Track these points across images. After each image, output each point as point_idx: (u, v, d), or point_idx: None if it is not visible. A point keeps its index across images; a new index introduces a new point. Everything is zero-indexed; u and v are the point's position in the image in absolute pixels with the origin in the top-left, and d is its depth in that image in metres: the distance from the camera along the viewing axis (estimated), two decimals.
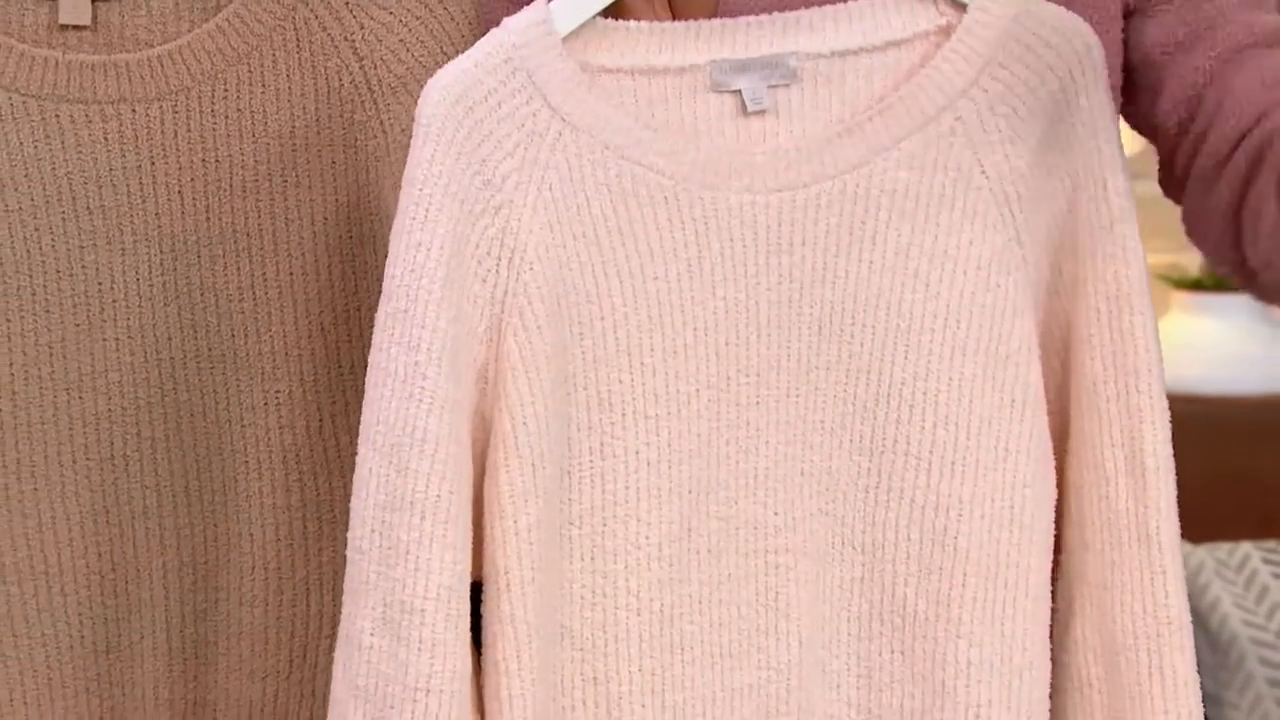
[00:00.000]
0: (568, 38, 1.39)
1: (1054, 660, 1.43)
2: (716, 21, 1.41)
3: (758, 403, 1.39)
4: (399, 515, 1.35)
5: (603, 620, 1.39)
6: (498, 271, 1.37)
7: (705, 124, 1.40)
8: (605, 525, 1.39)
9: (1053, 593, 1.44)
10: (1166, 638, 1.41)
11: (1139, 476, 1.40)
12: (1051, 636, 1.44)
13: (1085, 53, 1.40)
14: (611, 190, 1.38)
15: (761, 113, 1.40)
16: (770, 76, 1.40)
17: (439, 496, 1.34)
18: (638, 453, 1.39)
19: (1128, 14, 1.58)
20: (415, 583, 1.35)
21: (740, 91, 1.40)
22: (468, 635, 1.37)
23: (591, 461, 1.38)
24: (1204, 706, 2.71)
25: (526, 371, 1.37)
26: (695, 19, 1.43)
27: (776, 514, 1.40)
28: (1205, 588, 2.75)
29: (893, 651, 1.40)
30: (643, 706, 1.40)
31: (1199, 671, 2.65)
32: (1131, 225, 1.41)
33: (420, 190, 1.36)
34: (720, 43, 1.40)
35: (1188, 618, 1.42)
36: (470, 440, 1.38)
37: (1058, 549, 1.44)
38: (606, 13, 1.42)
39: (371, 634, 1.36)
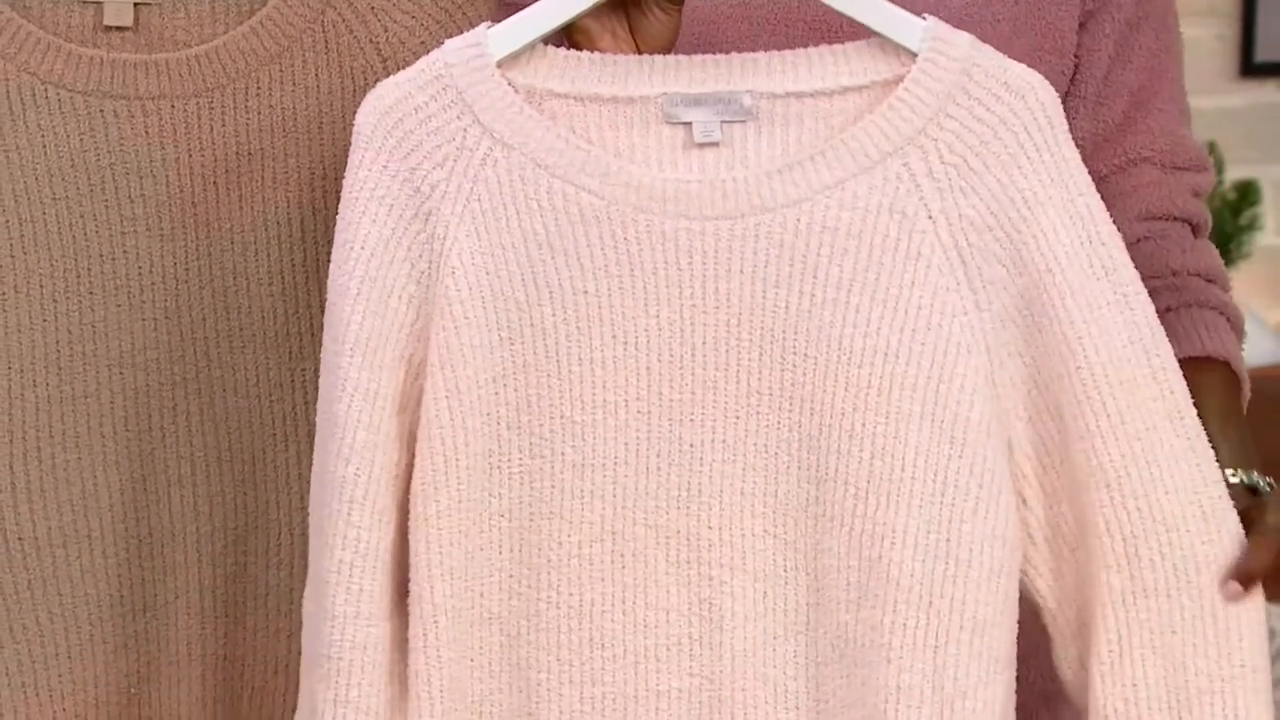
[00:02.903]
0: (510, 62, 1.39)
1: (1107, 708, 1.39)
2: (670, 57, 1.39)
3: (692, 420, 1.38)
4: (321, 494, 1.39)
5: (525, 609, 1.40)
6: (428, 274, 1.38)
7: (654, 153, 1.38)
8: (531, 520, 1.39)
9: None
10: (1241, 682, 1.36)
11: (1209, 519, 1.36)
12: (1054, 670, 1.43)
13: (1040, 110, 1.36)
14: (542, 206, 1.37)
15: (713, 145, 1.38)
16: (723, 112, 1.38)
17: (344, 478, 1.37)
18: (563, 455, 1.39)
19: (1083, 24, 1.61)
20: (323, 556, 1.38)
21: (690, 124, 1.38)
22: (377, 609, 1.38)
23: (520, 460, 1.39)
24: None
25: (443, 369, 1.38)
26: (655, 52, 1.41)
27: (711, 528, 1.39)
28: None
29: (840, 676, 1.38)
30: (561, 696, 1.40)
31: None
32: (1131, 271, 1.38)
33: (350, 194, 1.38)
34: (674, 77, 1.38)
35: (1264, 661, 1.37)
36: (396, 430, 1.39)
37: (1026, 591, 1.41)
38: (566, 43, 1.42)
39: (310, 601, 1.41)
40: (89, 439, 1.54)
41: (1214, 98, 3.45)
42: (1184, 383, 1.38)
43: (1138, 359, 1.37)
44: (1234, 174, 3.45)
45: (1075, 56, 1.60)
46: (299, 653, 1.55)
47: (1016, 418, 1.38)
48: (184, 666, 1.57)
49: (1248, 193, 3.46)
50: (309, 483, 1.54)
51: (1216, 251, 1.67)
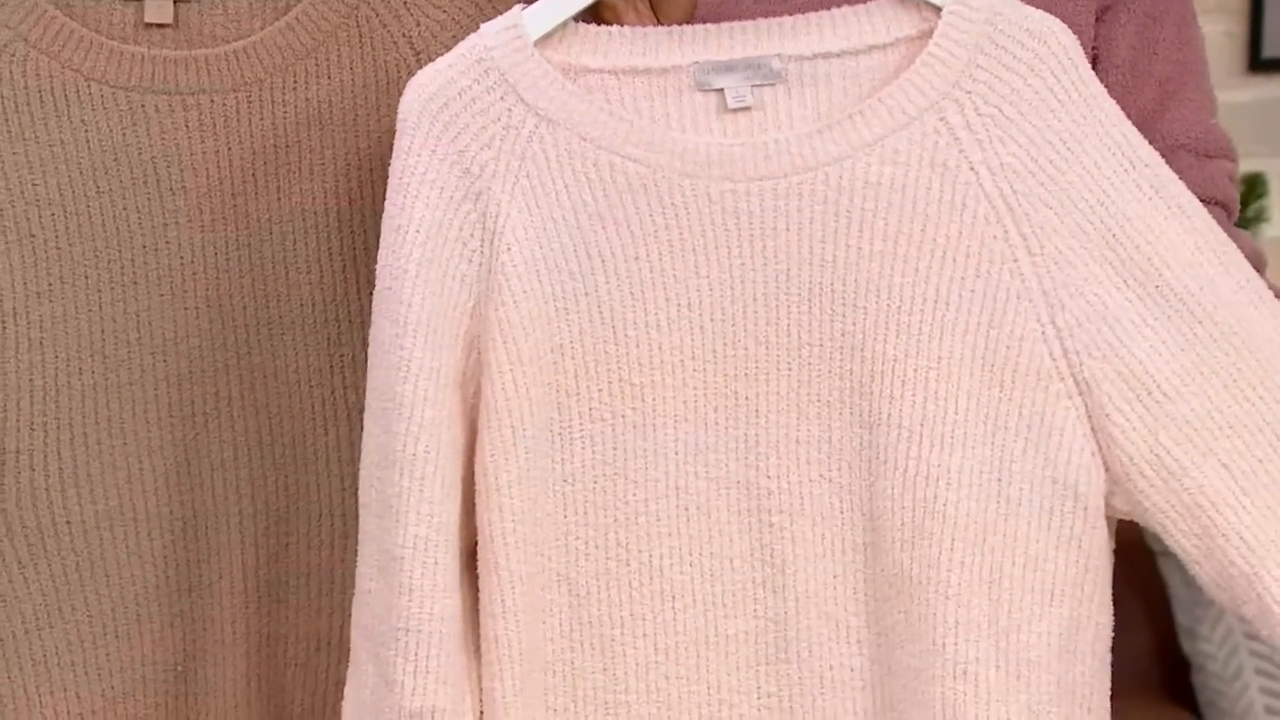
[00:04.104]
0: (545, 41, 1.40)
1: None
2: (698, 26, 1.41)
3: (746, 374, 1.40)
4: (387, 472, 1.38)
5: (596, 570, 1.42)
6: (481, 252, 1.38)
7: (690, 120, 1.40)
8: (595, 483, 1.41)
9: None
10: None
11: None
12: None
13: (1064, 52, 1.38)
14: (590, 178, 1.39)
15: (745, 110, 1.39)
16: (753, 76, 1.39)
17: (414, 455, 1.37)
18: (624, 416, 1.40)
19: (1099, 16, 1.62)
20: (397, 533, 1.38)
21: (723, 90, 1.39)
22: (451, 580, 1.39)
23: (581, 425, 1.40)
24: (1180, 639, 2.72)
25: (505, 342, 1.38)
26: (675, 23, 1.43)
27: (769, 477, 1.40)
28: None
29: (899, 612, 1.40)
30: (635, 649, 1.42)
31: (1176, 607, 2.68)
32: (1178, 183, 1.39)
33: (400, 179, 1.39)
34: (703, 45, 1.40)
35: None
36: (458, 406, 1.40)
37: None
38: (592, 19, 1.44)
39: (371, 579, 1.41)
40: (134, 424, 1.55)
41: (1222, 93, 3.43)
42: (1251, 267, 1.39)
43: (1209, 259, 1.38)
44: (1241, 167, 3.43)
45: (1094, 48, 1.61)
46: (340, 630, 1.58)
47: (1090, 356, 1.37)
48: (228, 645, 1.58)
49: (1255, 185, 3.47)
50: (349, 465, 1.57)
51: (1249, 235, 1.68)
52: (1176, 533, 1.38)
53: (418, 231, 1.38)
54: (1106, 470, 1.39)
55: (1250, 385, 1.38)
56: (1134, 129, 1.39)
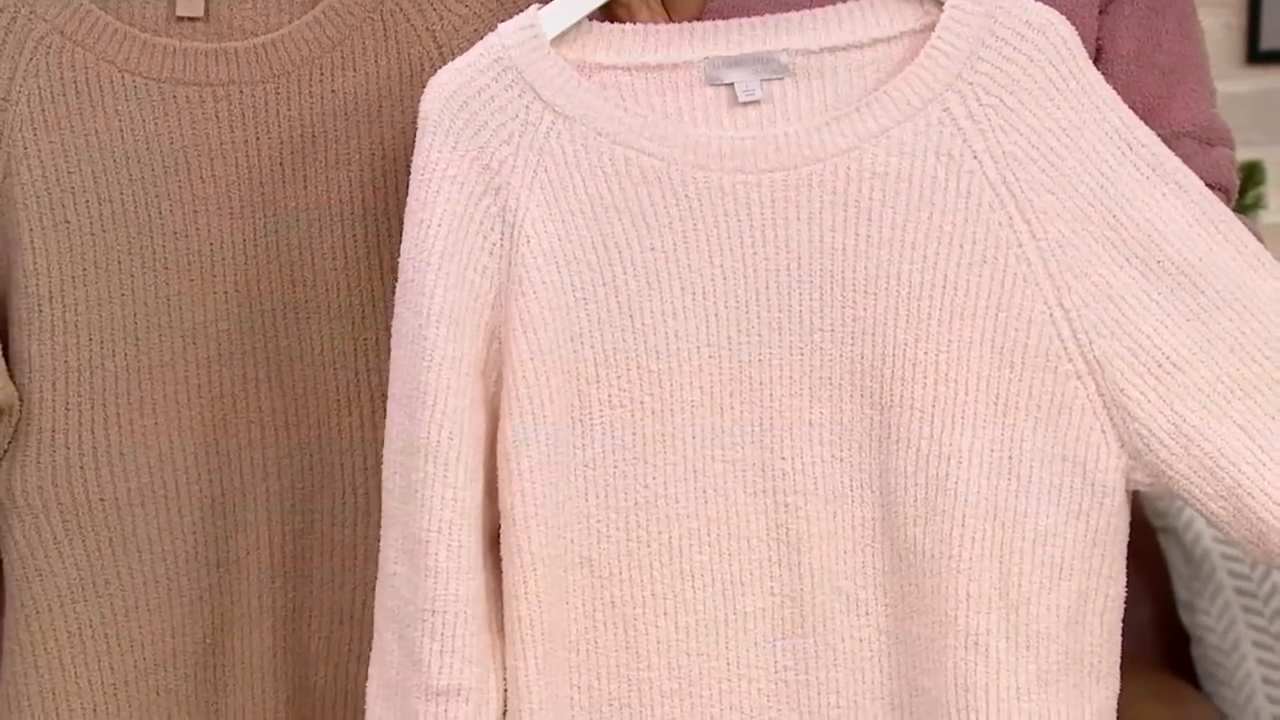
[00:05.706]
0: (560, 39, 1.41)
1: None
2: (709, 23, 1.42)
3: (759, 360, 1.41)
4: (411, 458, 1.39)
5: (617, 551, 1.43)
6: (501, 245, 1.39)
7: (702, 114, 1.41)
8: (616, 467, 1.42)
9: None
10: None
11: None
12: None
13: (1062, 43, 1.39)
14: (605, 172, 1.40)
15: (755, 103, 1.40)
16: (762, 71, 1.40)
17: (438, 442, 1.38)
18: (642, 403, 1.41)
19: (1103, 9, 1.62)
20: (422, 517, 1.39)
21: (733, 84, 1.40)
22: (475, 562, 1.40)
23: (601, 411, 1.41)
24: (1179, 612, 2.72)
25: (525, 332, 1.39)
26: (686, 19, 1.43)
27: (783, 459, 1.42)
28: (1182, 508, 2.77)
29: (910, 585, 1.41)
30: (657, 627, 1.43)
31: (1175, 582, 2.68)
32: (1174, 160, 1.41)
33: (421, 176, 1.40)
34: (713, 41, 1.41)
35: None
36: (480, 394, 1.41)
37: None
38: (607, 17, 1.44)
39: (395, 562, 1.42)
40: (165, 405, 1.56)
41: (1221, 84, 3.43)
42: (1247, 231, 1.41)
43: (1207, 230, 1.40)
44: (1239, 156, 3.44)
45: (1097, 40, 1.61)
46: (362, 604, 1.59)
47: (1099, 335, 1.39)
48: (255, 618, 1.59)
49: (1253, 173, 3.47)
50: (371, 444, 1.57)
51: (1249, 221, 1.69)
52: (1203, 497, 1.39)
53: (439, 225, 1.39)
54: (1125, 445, 1.40)
55: (1255, 347, 1.39)
56: (1130, 112, 1.41)
